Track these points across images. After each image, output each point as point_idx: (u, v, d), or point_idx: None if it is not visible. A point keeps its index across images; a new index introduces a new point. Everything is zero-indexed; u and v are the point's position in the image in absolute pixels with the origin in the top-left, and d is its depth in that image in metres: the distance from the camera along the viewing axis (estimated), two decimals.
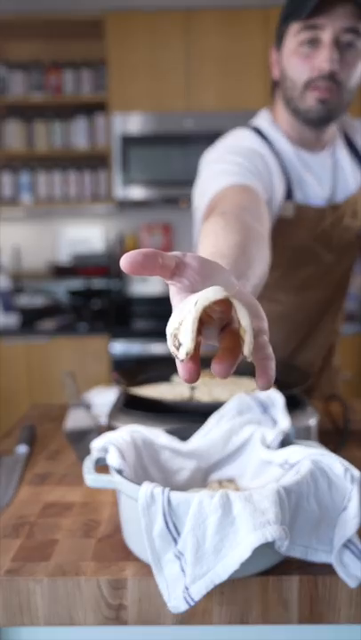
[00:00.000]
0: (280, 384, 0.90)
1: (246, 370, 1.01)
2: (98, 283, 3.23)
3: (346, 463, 0.61)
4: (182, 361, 0.40)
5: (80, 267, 3.20)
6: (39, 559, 0.63)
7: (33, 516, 0.73)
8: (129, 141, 2.93)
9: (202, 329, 0.41)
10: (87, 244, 3.36)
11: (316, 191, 1.14)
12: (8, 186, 3.18)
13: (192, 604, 0.54)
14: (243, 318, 0.39)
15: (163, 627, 0.60)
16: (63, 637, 0.65)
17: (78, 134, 3.12)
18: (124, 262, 0.39)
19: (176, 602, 0.54)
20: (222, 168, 1.00)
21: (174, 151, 2.93)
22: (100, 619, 0.59)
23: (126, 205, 3.21)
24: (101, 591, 0.59)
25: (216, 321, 0.42)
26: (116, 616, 0.59)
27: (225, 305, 0.40)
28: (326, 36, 0.99)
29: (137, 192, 2.97)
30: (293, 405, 0.84)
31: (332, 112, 1.06)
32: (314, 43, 1.01)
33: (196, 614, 0.59)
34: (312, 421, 0.81)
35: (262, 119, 1.17)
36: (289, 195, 1.12)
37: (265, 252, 0.74)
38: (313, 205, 1.14)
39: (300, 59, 1.03)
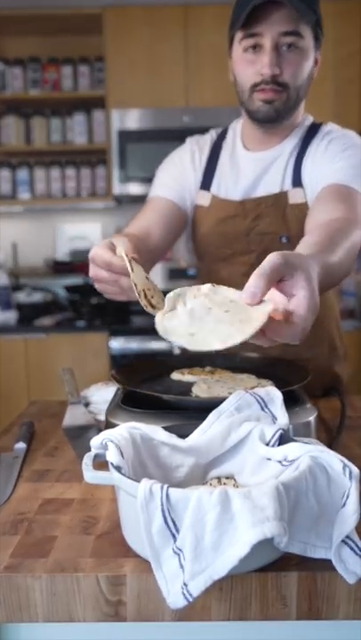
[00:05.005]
0: (279, 381, 0.90)
1: (245, 367, 1.01)
2: None
3: (345, 460, 0.61)
4: None
5: (78, 263, 3.20)
6: (38, 556, 0.63)
7: (31, 513, 0.73)
8: (127, 137, 2.93)
9: None
10: (85, 241, 3.36)
11: (233, 185, 1.23)
12: (6, 182, 3.17)
13: (191, 600, 0.54)
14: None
15: (161, 623, 0.60)
16: (62, 634, 0.65)
17: (76, 130, 3.11)
18: None
19: (175, 598, 0.54)
20: (156, 182, 1.30)
21: (173, 147, 2.90)
22: (99, 615, 0.59)
23: (124, 201, 3.20)
24: (100, 587, 0.59)
25: None
26: (115, 612, 0.59)
27: None
28: (266, 41, 1.06)
29: (135, 188, 2.96)
30: (293, 402, 0.83)
31: (279, 111, 1.12)
32: (256, 48, 1.07)
33: (194, 610, 0.59)
34: (311, 418, 0.81)
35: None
36: (207, 187, 1.25)
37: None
38: (225, 197, 1.23)
39: (246, 64, 1.10)
